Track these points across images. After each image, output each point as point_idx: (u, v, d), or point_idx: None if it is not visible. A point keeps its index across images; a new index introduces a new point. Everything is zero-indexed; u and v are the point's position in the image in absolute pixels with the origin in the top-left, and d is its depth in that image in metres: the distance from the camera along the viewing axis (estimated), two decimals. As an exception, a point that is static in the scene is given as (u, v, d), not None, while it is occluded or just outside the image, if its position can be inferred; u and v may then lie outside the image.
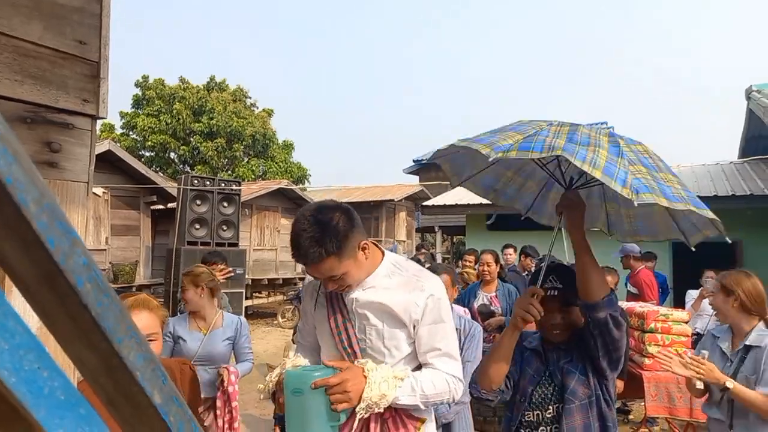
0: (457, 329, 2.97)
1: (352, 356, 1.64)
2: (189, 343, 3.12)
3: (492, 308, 4.69)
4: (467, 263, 6.06)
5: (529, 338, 2.07)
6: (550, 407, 1.88)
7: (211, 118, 19.54)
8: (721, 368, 2.39)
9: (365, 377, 1.52)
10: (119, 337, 0.39)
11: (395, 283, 1.67)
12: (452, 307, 3.13)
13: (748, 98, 8.13)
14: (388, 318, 1.63)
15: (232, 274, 4.15)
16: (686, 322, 4.63)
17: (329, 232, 1.51)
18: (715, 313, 2.61)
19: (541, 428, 1.89)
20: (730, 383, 2.29)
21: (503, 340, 1.88)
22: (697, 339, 5.59)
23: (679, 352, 2.63)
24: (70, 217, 1.71)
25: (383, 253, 1.75)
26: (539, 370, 1.96)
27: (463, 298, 5.18)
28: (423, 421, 1.65)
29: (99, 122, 1.70)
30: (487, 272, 4.83)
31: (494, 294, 4.74)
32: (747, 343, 2.37)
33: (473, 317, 4.77)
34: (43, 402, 0.36)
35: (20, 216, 0.32)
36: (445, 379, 1.63)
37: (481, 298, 4.80)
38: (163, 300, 9.12)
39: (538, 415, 1.90)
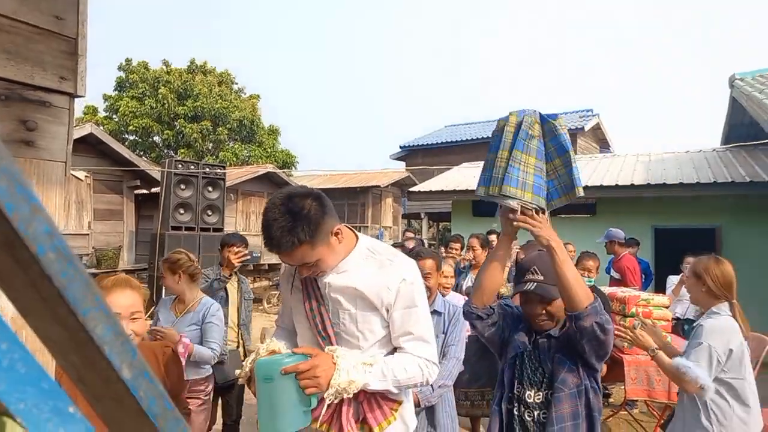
0: (441, 313, 2.98)
1: (326, 340, 1.65)
2: (161, 323, 3.19)
3: None
4: (453, 250, 6.07)
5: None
6: (540, 392, 1.91)
7: (196, 101, 19.29)
8: None
9: (334, 364, 1.53)
10: (85, 309, 0.37)
11: (369, 267, 1.67)
12: (443, 294, 3.15)
13: (732, 86, 8.19)
14: (361, 302, 1.64)
15: (248, 257, 3.97)
16: (667, 307, 4.69)
17: (301, 220, 1.50)
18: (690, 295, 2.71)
19: (527, 410, 1.92)
20: (653, 352, 2.54)
21: (496, 249, 1.96)
22: (677, 323, 5.69)
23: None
24: (47, 198, 1.67)
25: (357, 237, 1.75)
26: (524, 344, 1.99)
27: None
28: (400, 403, 1.66)
29: (79, 102, 1.67)
30: (474, 256, 4.85)
31: None
32: (699, 321, 2.54)
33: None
34: (3, 375, 0.34)
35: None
36: (417, 364, 1.64)
37: (470, 281, 4.83)
38: (147, 285, 9.05)
39: (525, 393, 1.93)
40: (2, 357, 0.34)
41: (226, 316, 3.90)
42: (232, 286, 4.03)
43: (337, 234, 1.61)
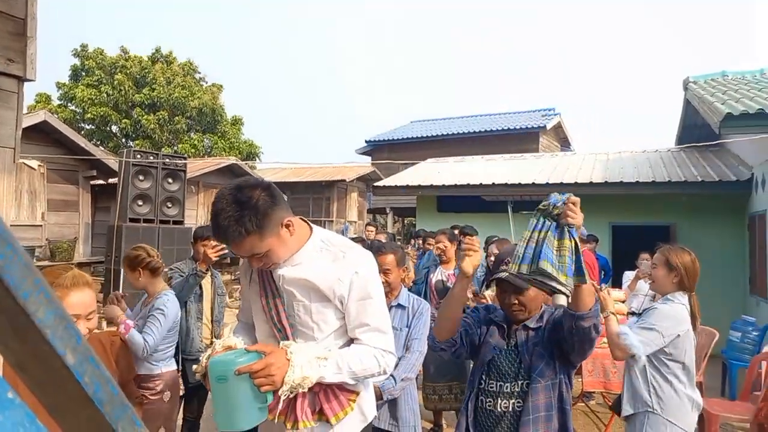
0: (405, 307, 2.99)
1: (282, 331, 1.67)
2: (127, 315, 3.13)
3: (448, 285, 4.74)
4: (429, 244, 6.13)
5: (495, 312, 2.15)
6: (516, 383, 1.96)
7: (153, 89, 18.77)
8: None
9: (288, 360, 1.53)
10: (25, 291, 0.36)
11: (322, 260, 1.68)
12: (405, 288, 3.16)
13: (686, 89, 8.47)
14: (314, 293, 1.65)
15: (226, 251, 3.78)
16: (623, 302, 4.85)
17: (249, 210, 1.49)
18: (651, 282, 2.80)
19: (502, 400, 1.96)
20: (607, 314, 2.64)
21: (454, 288, 1.96)
22: (632, 317, 5.88)
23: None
24: (-6, 185, 1.60)
25: (312, 229, 1.75)
26: (500, 343, 2.04)
27: (419, 270, 5.26)
28: (357, 394, 1.67)
29: (30, 88, 1.60)
30: (442, 251, 4.87)
31: (452, 272, 4.76)
32: (654, 304, 2.68)
33: (429, 291, 4.84)
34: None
35: None
36: (373, 354, 1.65)
37: (439, 274, 4.84)
38: (103, 278, 8.80)
39: (500, 386, 1.97)
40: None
41: (200, 312, 3.84)
42: (206, 281, 3.94)
43: (288, 226, 1.61)
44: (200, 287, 3.84)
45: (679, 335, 2.50)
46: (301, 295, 1.65)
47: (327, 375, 1.56)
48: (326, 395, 1.60)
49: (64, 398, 0.42)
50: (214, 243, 3.61)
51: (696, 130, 9.79)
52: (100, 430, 0.43)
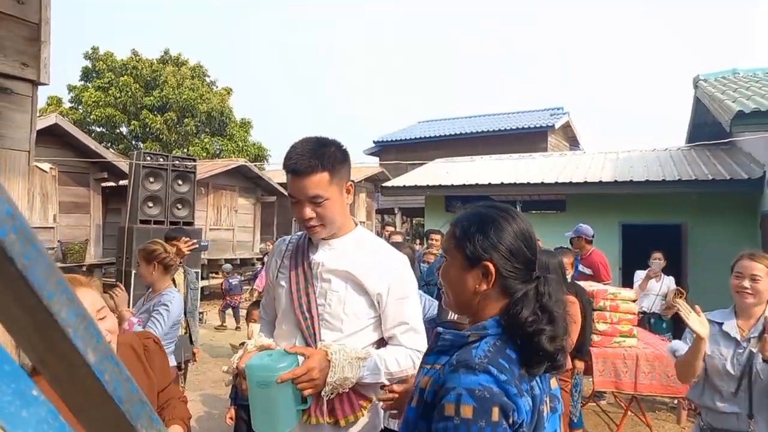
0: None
1: (308, 320, 1.65)
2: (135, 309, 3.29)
3: None
4: (434, 242, 6.19)
5: None
6: None
7: (162, 91, 18.88)
8: (733, 354, 2.28)
9: (329, 361, 1.53)
10: (49, 291, 0.37)
11: (362, 253, 1.69)
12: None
13: (696, 87, 8.42)
14: (352, 284, 1.65)
15: (197, 246, 4.22)
16: (633, 301, 4.82)
17: (327, 150, 1.59)
18: (746, 296, 2.30)
19: None
20: (699, 336, 2.19)
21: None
22: (643, 317, 5.84)
23: (697, 308, 2.34)
24: (10, 188, 1.63)
25: (356, 224, 1.79)
26: None
27: (425, 275, 5.27)
28: (370, 401, 1.65)
29: (42, 91, 1.62)
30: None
31: None
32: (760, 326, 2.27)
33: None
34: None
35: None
36: (408, 355, 1.66)
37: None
38: (115, 279, 8.87)
39: None
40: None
41: None
42: (179, 277, 4.18)
43: (348, 191, 1.68)
44: (174, 282, 4.06)
45: None
46: (338, 284, 1.65)
47: (366, 376, 1.58)
48: (339, 397, 1.59)
49: (85, 396, 0.43)
50: (185, 239, 3.99)
51: (707, 128, 9.73)
52: (119, 427, 0.44)
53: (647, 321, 5.98)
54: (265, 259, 7.97)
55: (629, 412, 4.73)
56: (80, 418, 0.45)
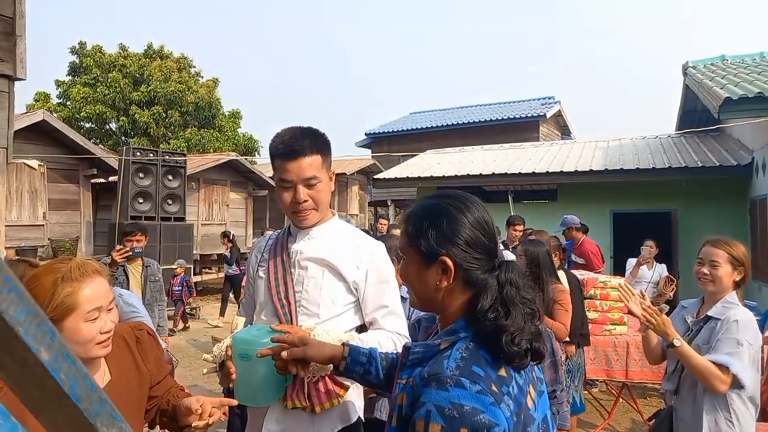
0: (406, 299, 2.99)
1: (286, 307, 1.67)
2: None
3: None
4: None
5: None
6: None
7: (149, 85, 18.71)
8: (682, 336, 2.26)
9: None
10: (-5, 290, 0.36)
11: (340, 240, 1.74)
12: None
13: (685, 74, 8.43)
14: (329, 270, 1.68)
15: (130, 253, 4.29)
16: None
17: (318, 135, 1.67)
18: (703, 282, 2.33)
19: None
20: (678, 342, 2.18)
21: None
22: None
23: (643, 292, 2.47)
24: (-12, 185, 1.61)
25: (333, 213, 1.82)
26: None
27: None
28: (346, 389, 1.64)
29: (29, 87, 1.60)
30: None
31: None
32: (709, 313, 2.26)
33: None
34: None
35: None
36: (390, 338, 1.67)
37: None
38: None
39: None
40: None
41: None
42: (135, 270, 4.54)
43: (331, 178, 1.73)
44: (126, 275, 4.42)
45: (762, 346, 2.16)
46: (315, 270, 1.68)
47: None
48: (316, 384, 1.58)
49: (42, 395, 0.42)
50: (119, 247, 4.24)
51: (696, 115, 9.76)
52: (79, 426, 0.44)
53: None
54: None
55: (621, 399, 4.77)
56: (40, 418, 0.44)
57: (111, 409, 0.44)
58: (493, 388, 0.93)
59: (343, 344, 1.41)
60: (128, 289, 4.18)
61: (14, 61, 1.42)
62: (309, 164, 1.61)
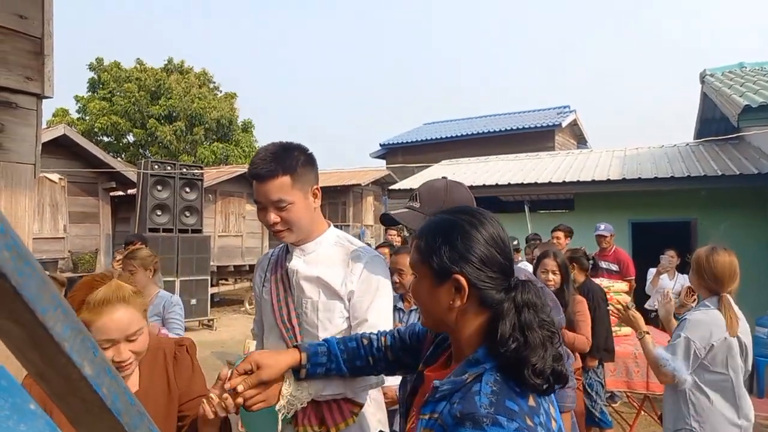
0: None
1: (290, 331, 1.65)
2: None
3: None
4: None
5: None
6: None
7: (169, 99, 19.01)
8: None
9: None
10: (43, 307, 0.37)
11: (333, 255, 1.69)
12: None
13: (702, 82, 8.36)
14: (324, 290, 1.64)
15: None
16: (626, 293, 4.91)
17: (289, 155, 1.59)
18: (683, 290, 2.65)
19: None
20: (642, 335, 2.55)
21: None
22: (656, 315, 5.78)
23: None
24: (16, 201, 1.64)
25: (329, 224, 1.79)
26: None
27: None
28: (360, 407, 1.59)
29: (49, 103, 1.64)
30: None
31: None
32: (685, 314, 2.54)
33: None
34: (-42, 373, 0.34)
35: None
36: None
37: None
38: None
39: None
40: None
41: None
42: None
43: (315, 195, 1.67)
44: None
45: (713, 344, 2.32)
46: (311, 292, 1.65)
47: (326, 386, 1.42)
48: (329, 405, 1.53)
49: (84, 409, 0.43)
50: (119, 257, 4.43)
51: (714, 123, 9.65)
52: (119, 439, 0.45)
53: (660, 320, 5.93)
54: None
55: (642, 412, 4.69)
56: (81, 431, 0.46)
57: (149, 422, 0.45)
58: (528, 422, 0.91)
59: (298, 349, 1.34)
60: None
61: (42, 80, 1.46)
62: (276, 187, 1.57)
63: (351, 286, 1.64)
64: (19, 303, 0.37)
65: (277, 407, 1.33)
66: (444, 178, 1.90)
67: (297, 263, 1.68)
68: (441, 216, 1.10)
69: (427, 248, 1.04)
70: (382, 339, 1.41)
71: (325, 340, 1.38)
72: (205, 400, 1.24)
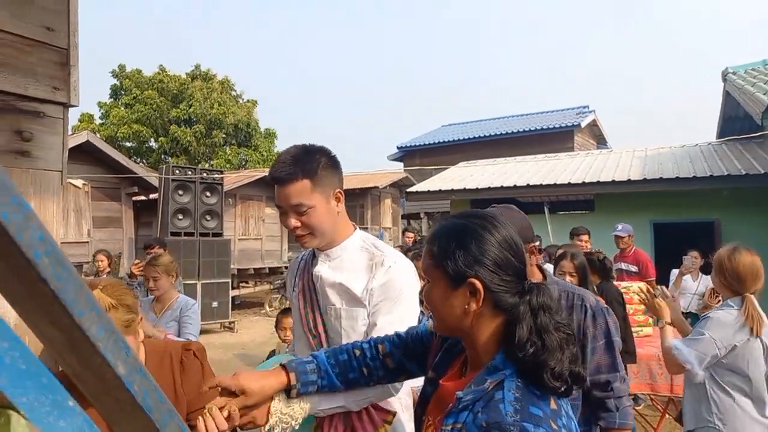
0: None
1: (317, 338, 1.61)
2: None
3: None
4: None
5: None
6: None
7: (190, 105, 19.32)
8: None
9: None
10: (80, 310, 0.40)
11: (361, 260, 1.63)
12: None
13: (725, 80, 8.23)
14: (347, 297, 1.59)
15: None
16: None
17: (310, 157, 1.55)
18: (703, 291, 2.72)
19: None
20: (663, 323, 2.60)
21: None
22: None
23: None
24: (44, 207, 1.70)
25: (355, 227, 1.73)
26: None
27: None
28: (393, 414, 1.52)
29: (73, 111, 1.69)
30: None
31: None
32: (708, 312, 2.54)
33: None
34: (4, 371, 0.36)
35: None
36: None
37: None
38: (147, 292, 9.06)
39: None
40: (4, 354, 0.36)
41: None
42: None
43: (337, 198, 1.63)
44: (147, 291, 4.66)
45: (736, 345, 2.29)
46: (334, 299, 1.61)
47: (321, 402, 1.31)
48: (359, 414, 1.46)
49: (117, 406, 0.45)
50: (136, 261, 4.52)
51: (738, 122, 9.49)
52: (149, 435, 0.47)
53: (681, 320, 5.84)
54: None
55: (666, 415, 4.63)
56: (114, 427, 0.48)
57: (178, 419, 0.47)
58: (553, 426, 0.91)
59: (285, 369, 1.24)
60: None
61: (68, 89, 1.50)
62: (296, 191, 1.52)
63: (372, 292, 1.57)
64: (57, 306, 0.39)
65: (267, 427, 1.24)
66: (493, 206, 1.87)
67: (322, 269, 1.64)
68: (452, 221, 1.09)
69: (440, 253, 1.03)
70: (379, 347, 1.34)
71: (313, 355, 1.31)
72: (201, 416, 1.14)
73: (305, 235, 1.58)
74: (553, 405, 0.94)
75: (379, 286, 1.57)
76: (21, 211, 0.35)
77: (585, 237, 5.88)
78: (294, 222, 1.55)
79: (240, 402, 1.17)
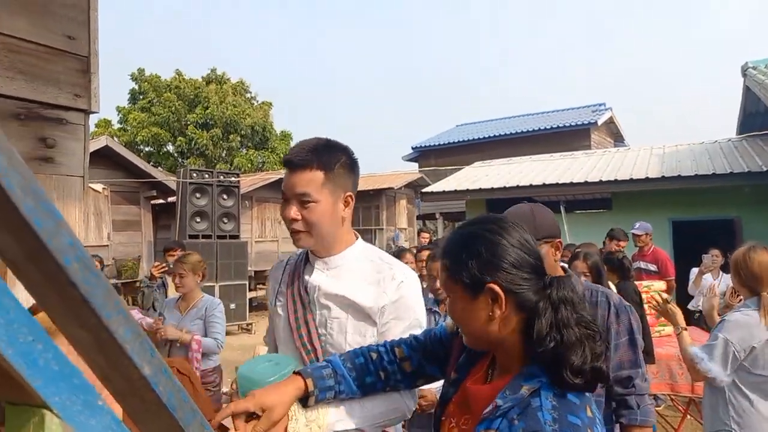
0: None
1: (312, 353, 1.49)
2: (167, 322, 3.57)
3: None
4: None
5: None
6: None
7: (206, 108, 19.53)
8: None
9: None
10: (108, 312, 0.41)
11: (364, 270, 1.53)
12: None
13: (744, 75, 8.10)
14: (353, 310, 1.48)
15: (167, 269, 4.85)
16: (665, 291, 4.81)
17: (329, 151, 1.48)
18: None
19: None
20: (680, 330, 2.60)
21: None
22: (699, 316, 5.63)
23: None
24: (67, 212, 1.73)
25: (357, 237, 1.64)
26: None
27: None
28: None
29: (93, 117, 1.73)
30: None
31: None
32: (725, 315, 2.51)
33: None
34: (38, 372, 0.38)
35: (7, 199, 0.35)
36: (392, 393, 1.33)
37: None
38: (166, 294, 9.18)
39: None
40: (39, 357, 0.38)
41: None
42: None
43: (346, 201, 1.52)
44: (164, 288, 4.88)
45: (754, 346, 2.27)
46: (339, 311, 1.48)
47: (338, 421, 1.23)
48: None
49: (144, 408, 0.47)
50: (156, 263, 4.74)
51: (759, 117, 9.33)
52: (174, 434, 0.48)
53: (704, 320, 5.76)
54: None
55: (688, 416, 4.57)
56: (139, 426, 0.49)
57: (201, 419, 0.49)
58: (588, 430, 0.90)
59: (301, 376, 1.18)
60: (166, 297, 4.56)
61: (89, 96, 1.54)
62: (305, 179, 1.43)
63: (383, 309, 1.47)
64: (86, 309, 0.41)
65: None
66: (525, 202, 1.88)
67: (319, 278, 1.53)
68: (458, 231, 1.08)
69: (453, 265, 1.02)
70: (396, 350, 1.30)
71: (328, 361, 1.25)
72: None
73: (301, 232, 1.48)
74: (589, 413, 0.93)
75: (391, 302, 1.48)
76: (52, 218, 0.37)
77: (623, 243, 5.78)
78: (294, 213, 1.45)
79: (265, 421, 1.10)
